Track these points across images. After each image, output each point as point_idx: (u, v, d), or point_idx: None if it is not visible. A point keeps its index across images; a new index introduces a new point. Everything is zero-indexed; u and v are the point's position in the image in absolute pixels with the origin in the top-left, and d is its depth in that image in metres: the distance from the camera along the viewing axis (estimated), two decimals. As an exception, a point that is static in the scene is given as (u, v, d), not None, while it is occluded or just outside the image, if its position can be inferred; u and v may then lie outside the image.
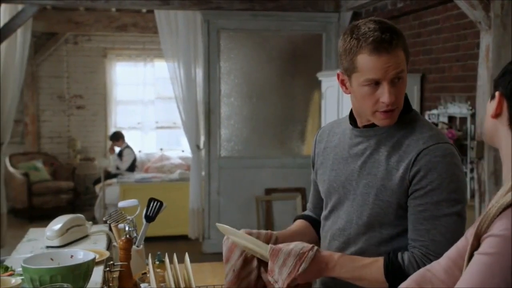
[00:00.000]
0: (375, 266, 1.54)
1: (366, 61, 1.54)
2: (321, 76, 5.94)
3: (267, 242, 1.67)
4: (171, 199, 6.93)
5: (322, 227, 1.81)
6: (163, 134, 9.51)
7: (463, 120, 4.72)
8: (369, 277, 1.54)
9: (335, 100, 5.40)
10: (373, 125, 1.65)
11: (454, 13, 4.83)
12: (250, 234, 1.68)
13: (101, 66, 9.24)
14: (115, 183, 7.46)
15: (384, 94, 1.56)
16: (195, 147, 6.68)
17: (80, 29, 8.47)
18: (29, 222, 7.62)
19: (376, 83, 1.56)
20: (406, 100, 1.65)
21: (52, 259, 2.06)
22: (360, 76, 1.57)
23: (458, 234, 1.48)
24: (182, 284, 1.85)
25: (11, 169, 8.27)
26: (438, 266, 1.39)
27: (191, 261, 1.97)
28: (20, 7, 5.86)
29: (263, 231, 1.74)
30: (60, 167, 8.89)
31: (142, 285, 1.86)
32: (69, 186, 8.55)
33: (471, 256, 1.18)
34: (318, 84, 5.99)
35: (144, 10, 7.89)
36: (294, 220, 1.95)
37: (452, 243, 1.39)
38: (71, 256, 2.09)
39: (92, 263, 2.02)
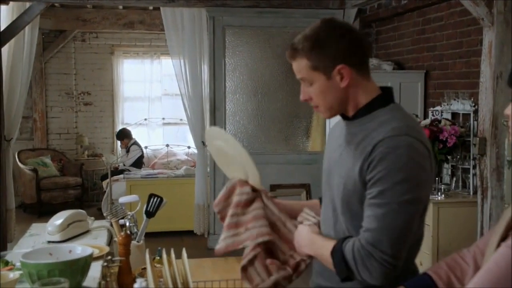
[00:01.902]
0: (326, 249, 1.64)
1: None
2: (326, 72, 5.94)
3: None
4: (177, 195, 6.99)
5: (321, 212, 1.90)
6: (169, 131, 9.55)
7: (466, 116, 4.72)
8: (324, 258, 1.66)
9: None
10: (355, 117, 1.68)
11: (457, 10, 4.83)
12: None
13: (108, 63, 9.30)
14: (121, 179, 7.51)
15: None
16: (201, 144, 6.71)
17: (88, 26, 8.51)
18: (38, 217, 7.70)
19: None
20: (385, 94, 1.68)
21: (50, 254, 2.09)
22: None
23: (399, 224, 1.51)
24: (179, 280, 1.87)
25: (20, 164, 8.35)
26: (468, 254, 1.44)
27: (197, 257, 1.99)
28: (28, 4, 5.90)
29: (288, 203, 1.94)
30: (68, 163, 8.96)
31: (138, 280, 1.88)
32: (77, 182, 8.62)
33: (498, 245, 1.20)
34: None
35: (150, 8, 7.92)
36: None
37: (389, 232, 1.50)
38: (70, 251, 2.11)
39: (90, 258, 2.03)
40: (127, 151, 8.56)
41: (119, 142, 8.91)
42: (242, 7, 6.15)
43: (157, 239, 5.48)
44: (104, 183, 8.12)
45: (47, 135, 9.14)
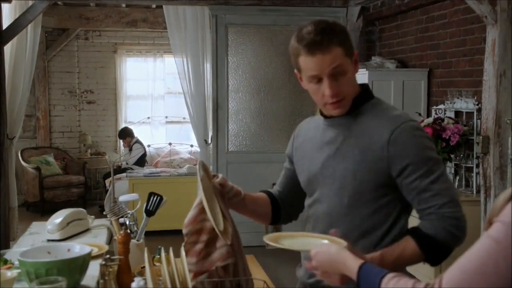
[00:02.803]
0: (409, 247, 1.65)
1: (304, 61, 1.71)
2: (329, 71, 5.92)
3: (236, 197, 1.90)
4: (180, 194, 6.98)
5: (307, 210, 1.93)
6: (172, 129, 9.53)
7: (469, 115, 4.69)
8: (408, 259, 1.66)
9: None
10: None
11: (461, 7, 4.80)
12: (223, 185, 1.86)
13: (111, 62, 9.29)
14: (124, 177, 7.51)
15: (325, 89, 1.70)
16: (203, 142, 6.70)
17: (91, 24, 8.50)
18: (41, 216, 7.70)
19: (319, 79, 1.71)
20: (368, 88, 1.82)
21: (49, 253, 2.08)
22: (305, 74, 1.75)
23: (453, 185, 1.72)
24: (177, 278, 1.85)
25: (23, 163, 8.36)
26: None
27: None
28: (30, 2, 5.89)
29: (236, 187, 1.91)
30: (71, 162, 8.97)
31: (136, 279, 1.87)
32: (79, 180, 8.62)
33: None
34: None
35: (153, 6, 7.91)
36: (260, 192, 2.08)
37: (454, 193, 1.67)
38: (68, 250, 2.10)
39: (88, 257, 2.03)
40: (130, 150, 8.55)
41: (121, 141, 8.92)
42: (245, 5, 6.14)
43: (159, 237, 5.47)
44: (107, 182, 8.11)
45: (50, 134, 9.14)
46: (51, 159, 8.64)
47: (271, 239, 1.65)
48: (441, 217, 1.63)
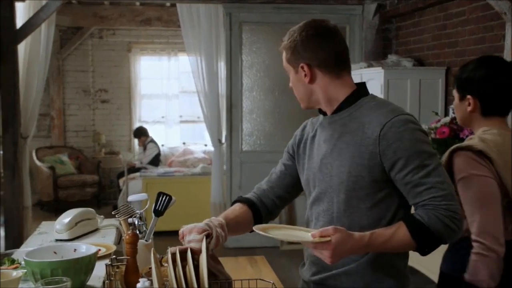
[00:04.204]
0: (400, 232, 1.66)
1: None
2: (344, 69, 5.84)
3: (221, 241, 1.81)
4: (193, 193, 6.95)
5: (308, 210, 1.94)
6: (187, 128, 9.51)
7: (488, 114, 4.58)
8: (398, 244, 1.67)
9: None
10: (337, 111, 1.83)
11: (480, 4, 4.70)
12: (205, 230, 1.79)
13: (125, 60, 9.28)
14: (138, 177, 7.49)
15: None
16: (217, 141, 6.65)
17: (105, 23, 8.50)
18: (55, 215, 7.63)
19: None
20: (363, 85, 1.86)
21: (55, 253, 2.07)
22: None
23: (448, 179, 1.69)
24: (183, 279, 1.80)
25: (37, 162, 8.37)
26: None
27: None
28: (44, 1, 5.88)
29: (214, 224, 1.82)
30: (85, 161, 8.97)
31: (141, 279, 1.82)
32: (94, 180, 8.62)
33: None
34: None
35: (168, 4, 7.88)
36: (233, 203, 2.05)
37: (450, 186, 1.66)
38: (74, 250, 2.09)
39: (94, 257, 2.01)
40: (144, 149, 8.54)
41: (136, 140, 8.91)
42: (259, 3, 6.09)
43: (172, 237, 5.43)
44: (121, 181, 8.12)
45: (65, 133, 9.15)
46: (65, 158, 8.65)
47: (259, 229, 1.71)
48: (435, 208, 1.64)
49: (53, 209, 8.17)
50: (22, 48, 6.02)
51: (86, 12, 8.33)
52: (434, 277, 4.19)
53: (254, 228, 1.72)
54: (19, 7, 5.98)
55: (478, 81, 2.13)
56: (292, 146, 2.03)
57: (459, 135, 4.36)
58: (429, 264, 4.29)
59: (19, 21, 5.84)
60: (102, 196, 8.83)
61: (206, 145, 8.86)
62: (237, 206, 2.01)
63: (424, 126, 4.56)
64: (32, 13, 5.96)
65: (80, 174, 8.70)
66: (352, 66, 5.21)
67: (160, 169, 7.85)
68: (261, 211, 2.02)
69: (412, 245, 1.66)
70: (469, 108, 2.18)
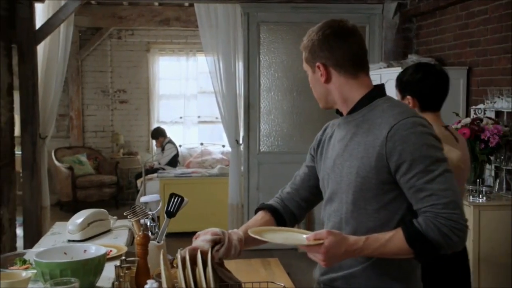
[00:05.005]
0: (396, 238, 1.64)
1: None
2: (363, 69, 5.76)
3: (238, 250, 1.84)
4: (211, 194, 6.92)
5: (323, 211, 1.94)
6: (205, 129, 9.49)
7: (510, 115, 4.48)
8: (394, 250, 1.65)
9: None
10: (351, 111, 1.82)
11: (503, 2, 4.60)
12: (218, 235, 1.82)
13: (144, 61, 9.30)
14: (155, 177, 7.48)
15: None
16: (235, 142, 6.61)
17: (124, 23, 8.52)
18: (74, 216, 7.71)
19: None
20: (381, 87, 1.85)
21: (65, 253, 2.09)
22: None
23: (454, 186, 1.64)
24: (192, 281, 1.78)
25: (56, 162, 8.41)
26: None
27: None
28: (63, 2, 5.90)
29: (231, 234, 1.86)
30: (104, 161, 8.99)
31: (149, 281, 1.80)
32: (112, 180, 8.64)
33: None
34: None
35: (186, 4, 7.87)
36: (256, 210, 2.07)
37: (454, 194, 1.61)
38: (84, 251, 2.11)
39: (103, 258, 2.03)
40: (162, 150, 8.54)
41: (154, 141, 8.91)
42: (277, 2, 6.05)
43: (189, 239, 5.40)
44: (139, 182, 8.12)
45: (83, 133, 9.19)
46: (84, 158, 8.68)
47: (255, 232, 1.72)
48: (435, 216, 1.60)
49: (71, 209, 8.17)
50: (41, 48, 6.04)
51: (105, 13, 8.36)
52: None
53: (249, 232, 1.73)
54: (38, 8, 6.00)
55: (416, 83, 2.56)
56: (313, 148, 2.04)
57: (480, 136, 4.27)
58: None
59: (38, 22, 5.87)
60: (120, 196, 8.85)
61: (224, 146, 8.83)
62: (259, 216, 2.02)
63: (445, 127, 4.47)
64: (51, 14, 5.98)
65: (98, 175, 8.73)
66: (372, 66, 5.19)
67: (178, 170, 7.84)
68: (285, 216, 2.02)
69: (409, 252, 1.64)
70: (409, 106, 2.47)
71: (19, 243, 5.69)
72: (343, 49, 1.79)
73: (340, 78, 1.81)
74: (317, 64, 1.82)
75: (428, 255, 1.64)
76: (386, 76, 5.48)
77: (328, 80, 1.82)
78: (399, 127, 1.66)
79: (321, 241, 1.61)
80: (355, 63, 1.81)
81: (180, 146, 8.78)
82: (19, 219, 5.74)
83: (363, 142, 1.74)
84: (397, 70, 5.27)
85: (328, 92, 1.84)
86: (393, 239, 1.64)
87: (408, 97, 2.68)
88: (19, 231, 5.82)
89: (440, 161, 1.65)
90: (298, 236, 1.72)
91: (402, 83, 2.74)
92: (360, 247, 1.64)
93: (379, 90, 1.84)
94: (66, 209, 8.38)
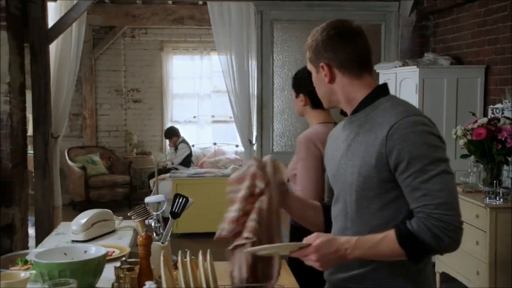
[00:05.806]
0: (388, 239, 1.64)
1: None
2: (379, 68, 5.68)
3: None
4: (224, 195, 6.82)
5: (332, 211, 1.94)
6: (219, 128, 9.43)
7: (530, 114, 4.36)
8: (386, 251, 1.65)
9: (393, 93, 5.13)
10: (355, 111, 1.83)
11: (523, -2, 4.48)
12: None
13: (157, 60, 9.27)
14: (168, 177, 7.43)
15: None
16: (248, 142, 6.54)
17: (137, 22, 8.51)
18: (86, 215, 7.69)
19: None
20: (384, 86, 1.86)
21: (65, 254, 2.08)
22: None
23: (451, 188, 1.63)
24: (192, 283, 1.80)
25: (69, 162, 8.40)
26: None
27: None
28: (75, 1, 5.88)
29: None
30: (117, 161, 8.97)
31: (147, 282, 1.76)
32: (125, 180, 8.61)
33: None
34: (376, 76, 5.71)
35: (200, 2, 7.81)
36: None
37: (449, 195, 1.60)
38: (85, 252, 2.10)
39: (103, 259, 2.01)
40: (176, 150, 8.49)
41: (167, 141, 8.86)
42: (291, 0, 5.96)
43: (199, 239, 5.36)
44: (151, 182, 8.07)
45: (97, 133, 9.18)
46: (97, 158, 8.66)
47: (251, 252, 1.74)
48: (427, 216, 1.60)
49: (84, 209, 8.00)
50: (53, 48, 6.02)
51: (118, 11, 8.35)
52: (472, 285, 4.00)
53: (244, 252, 1.76)
54: (51, 7, 5.99)
55: (308, 81, 2.37)
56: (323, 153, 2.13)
57: (497, 137, 4.15)
58: (466, 272, 4.10)
59: (51, 21, 5.85)
60: (133, 196, 8.80)
61: (237, 146, 8.76)
62: (316, 203, 2.09)
63: (460, 127, 4.36)
64: (63, 13, 5.95)
65: (111, 174, 8.70)
66: (387, 65, 5.08)
67: (191, 170, 7.79)
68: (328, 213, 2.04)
69: (401, 253, 1.64)
70: (302, 103, 2.75)
71: (31, 242, 5.66)
72: (347, 50, 1.80)
73: (344, 79, 1.82)
74: (321, 64, 1.83)
75: (420, 256, 1.64)
76: (401, 75, 5.39)
77: (332, 80, 1.83)
78: (399, 126, 1.66)
79: (307, 243, 1.64)
80: (359, 64, 1.82)
81: (193, 146, 8.73)
82: (31, 219, 5.71)
83: (364, 142, 1.75)
84: (412, 69, 5.18)
85: (332, 92, 1.85)
86: (385, 240, 1.64)
87: (301, 94, 2.74)
88: (31, 231, 5.79)
89: (439, 161, 1.64)
90: (291, 245, 1.73)
91: (296, 81, 2.79)
92: (352, 245, 1.64)
93: (382, 89, 1.84)
94: (79, 209, 8.33)
